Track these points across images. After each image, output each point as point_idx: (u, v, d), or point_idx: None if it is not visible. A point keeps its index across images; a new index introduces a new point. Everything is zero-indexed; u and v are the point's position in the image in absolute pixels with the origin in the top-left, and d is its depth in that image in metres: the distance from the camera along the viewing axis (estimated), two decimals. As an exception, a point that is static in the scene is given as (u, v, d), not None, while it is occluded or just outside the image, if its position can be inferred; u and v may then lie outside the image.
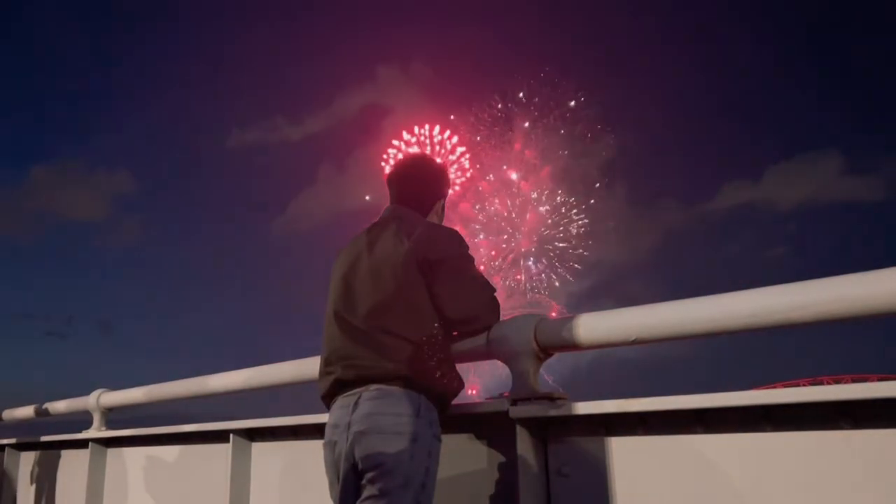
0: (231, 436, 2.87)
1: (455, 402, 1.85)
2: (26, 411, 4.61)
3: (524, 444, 1.79)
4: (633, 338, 1.69)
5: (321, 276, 2.04)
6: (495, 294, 1.94)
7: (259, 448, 2.88)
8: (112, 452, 3.81)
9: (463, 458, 1.96)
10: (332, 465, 1.74)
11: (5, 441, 4.74)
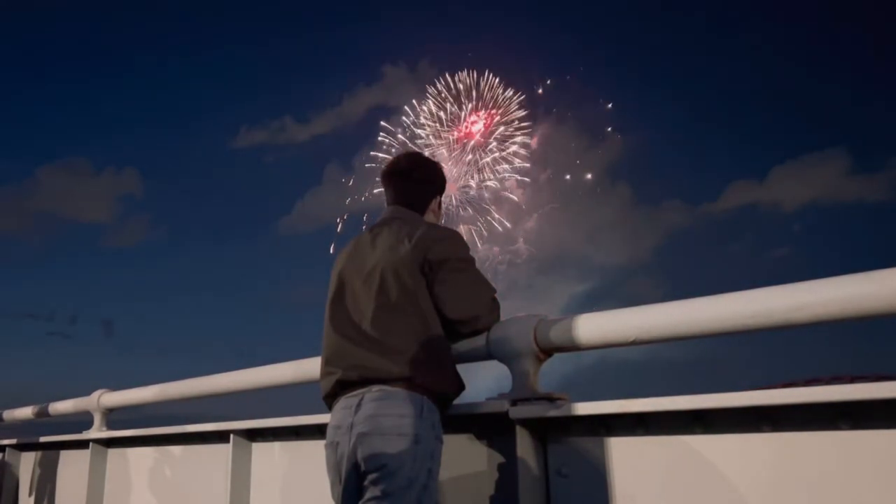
0: (231, 436, 2.87)
1: (455, 402, 1.85)
2: (27, 412, 4.62)
3: (524, 445, 1.79)
4: (632, 338, 1.70)
5: (326, 277, 2.06)
6: (496, 294, 1.94)
7: (260, 448, 2.88)
8: (113, 453, 3.82)
9: (463, 458, 1.97)
10: (334, 466, 1.74)
11: (6, 441, 4.75)
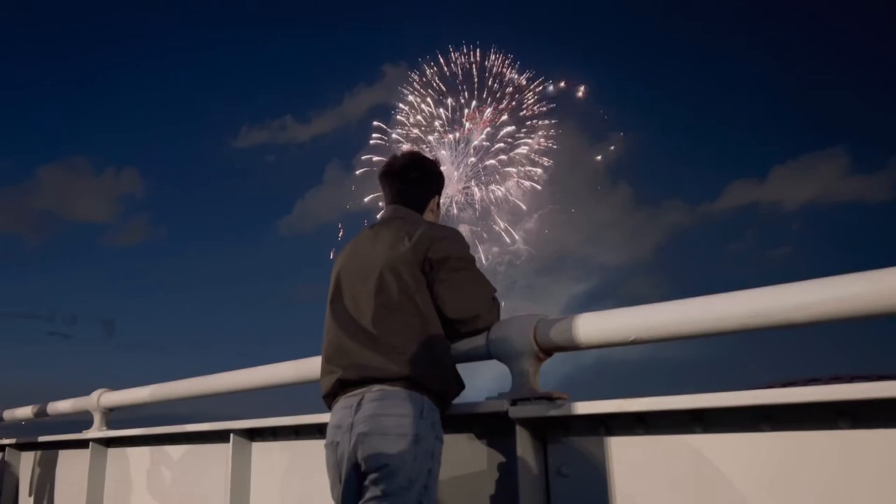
0: (231, 436, 2.87)
1: (455, 401, 1.85)
2: (27, 411, 4.62)
3: (524, 444, 1.79)
4: (632, 338, 1.70)
5: (326, 277, 2.08)
6: (496, 294, 1.94)
7: (259, 448, 2.88)
8: (112, 452, 3.82)
9: (463, 458, 1.97)
10: (334, 466, 1.74)
11: (6, 441, 4.74)
